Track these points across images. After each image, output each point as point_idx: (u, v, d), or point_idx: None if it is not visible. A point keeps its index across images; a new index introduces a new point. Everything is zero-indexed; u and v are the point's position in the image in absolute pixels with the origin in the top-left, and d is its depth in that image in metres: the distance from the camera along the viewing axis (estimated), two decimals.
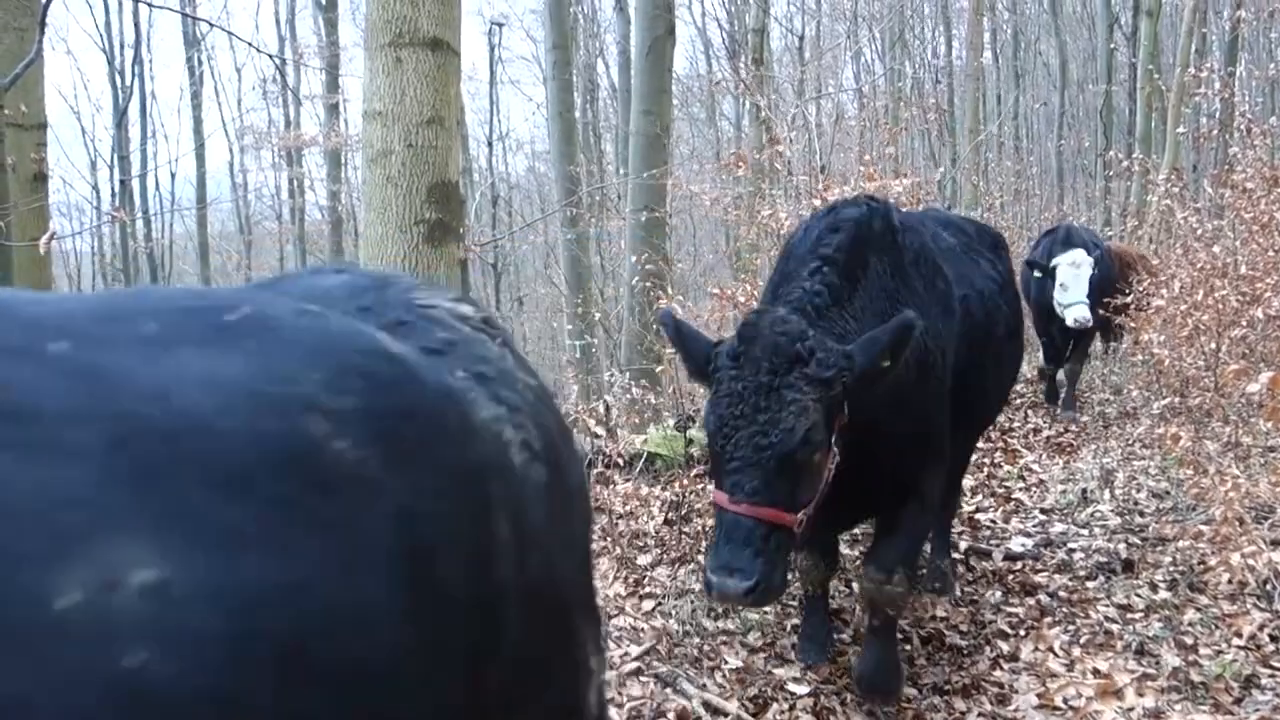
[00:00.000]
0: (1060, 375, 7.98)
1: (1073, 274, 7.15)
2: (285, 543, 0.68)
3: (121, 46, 20.19)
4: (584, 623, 1.17)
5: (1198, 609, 3.76)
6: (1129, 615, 3.79)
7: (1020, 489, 5.77)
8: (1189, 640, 3.51)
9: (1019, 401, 8.34)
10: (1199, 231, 8.25)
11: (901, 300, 2.88)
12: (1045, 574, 4.28)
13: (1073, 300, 7.11)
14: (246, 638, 0.63)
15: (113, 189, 20.34)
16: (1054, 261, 7.25)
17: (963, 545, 4.59)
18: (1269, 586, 3.71)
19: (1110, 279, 7.42)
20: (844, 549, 4.14)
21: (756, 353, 2.50)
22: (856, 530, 4.25)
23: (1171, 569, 4.18)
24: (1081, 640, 3.58)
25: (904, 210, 3.71)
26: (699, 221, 18.86)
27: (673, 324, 2.81)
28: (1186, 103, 12.42)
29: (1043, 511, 5.28)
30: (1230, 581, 3.84)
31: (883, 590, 3.04)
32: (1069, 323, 7.14)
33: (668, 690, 3.20)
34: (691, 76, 25.39)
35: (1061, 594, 4.03)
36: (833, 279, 2.81)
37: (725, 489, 2.51)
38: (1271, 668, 3.28)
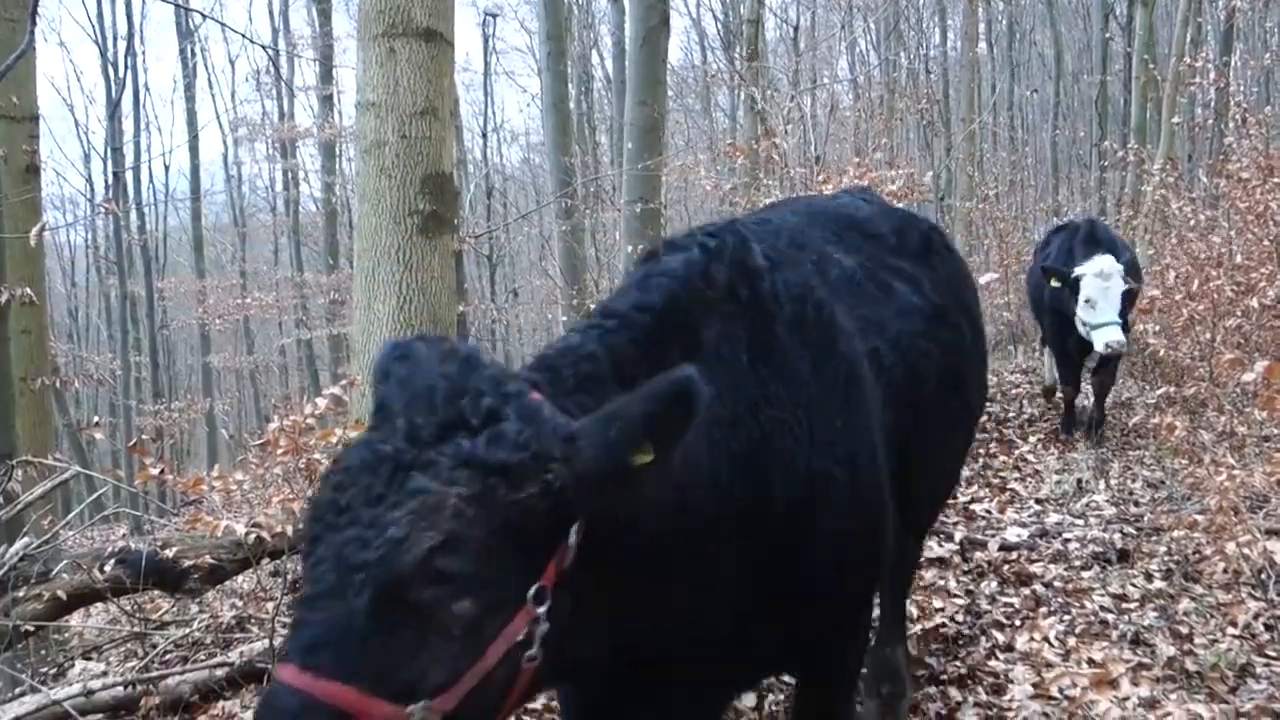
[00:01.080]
0: (1079, 400, 6.89)
1: (1100, 287, 5.98)
2: None
3: (114, 38, 20.02)
4: None
5: (1193, 598, 3.77)
6: (1124, 605, 3.80)
7: (1015, 479, 5.78)
8: (1184, 630, 3.52)
9: (1014, 392, 8.35)
10: (1194, 221, 8.27)
11: (772, 399, 1.83)
12: (1041, 564, 4.29)
13: (1102, 320, 5.95)
14: None
15: (106, 181, 20.27)
16: (1077, 270, 6.10)
17: (958, 536, 4.59)
18: (1264, 575, 3.73)
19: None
20: None
21: (398, 405, 1.43)
22: None
23: (1166, 559, 4.19)
24: (1077, 630, 3.59)
25: (776, 216, 2.57)
26: (694, 212, 18.84)
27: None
28: (1182, 92, 12.42)
29: (1038, 502, 5.30)
30: (1225, 571, 3.86)
31: None
32: (1099, 348, 6.02)
33: None
34: (686, 67, 25.37)
35: (1057, 584, 4.04)
36: (621, 341, 1.71)
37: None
38: (1266, 656, 3.29)
